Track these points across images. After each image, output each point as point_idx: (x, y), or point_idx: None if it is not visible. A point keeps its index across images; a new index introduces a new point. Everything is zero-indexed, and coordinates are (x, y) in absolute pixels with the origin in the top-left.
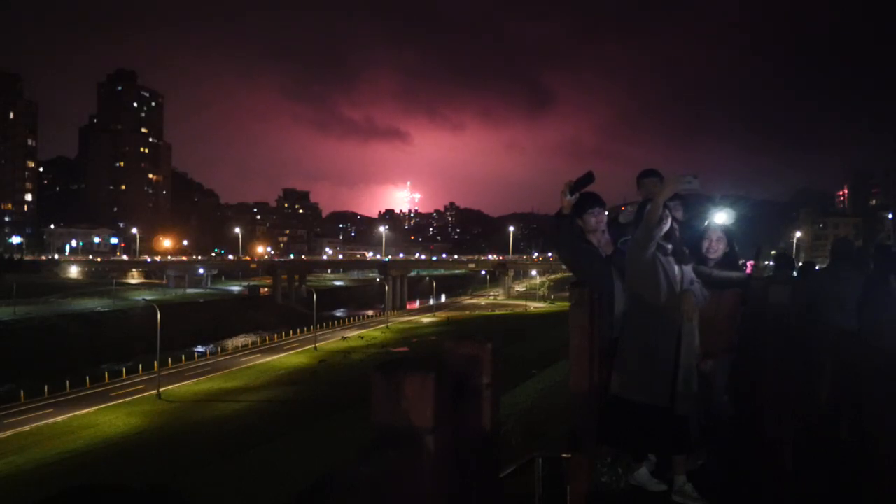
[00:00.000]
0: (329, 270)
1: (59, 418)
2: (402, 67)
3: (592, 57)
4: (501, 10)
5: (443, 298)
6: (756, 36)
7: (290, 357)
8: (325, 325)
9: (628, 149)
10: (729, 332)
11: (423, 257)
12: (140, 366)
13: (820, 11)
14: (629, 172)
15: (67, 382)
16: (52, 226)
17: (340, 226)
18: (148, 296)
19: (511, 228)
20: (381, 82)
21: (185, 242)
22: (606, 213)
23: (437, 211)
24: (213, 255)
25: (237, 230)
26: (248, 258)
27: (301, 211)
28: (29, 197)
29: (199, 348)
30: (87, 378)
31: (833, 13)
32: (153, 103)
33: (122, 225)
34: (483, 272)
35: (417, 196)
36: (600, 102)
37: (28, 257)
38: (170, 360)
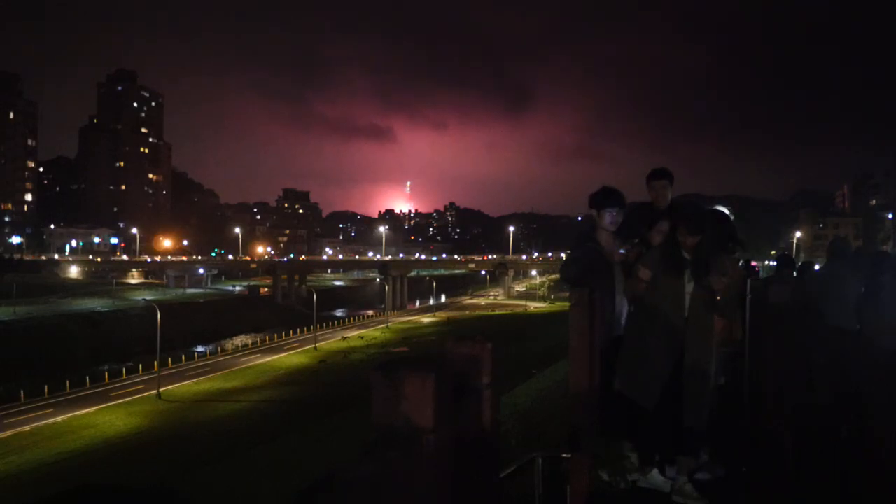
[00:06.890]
0: (329, 270)
1: (58, 418)
2: (398, 67)
3: (588, 53)
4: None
5: (443, 298)
6: (755, 34)
7: (290, 357)
8: (325, 325)
9: (628, 147)
10: (727, 327)
11: (423, 257)
12: (140, 366)
13: (819, 9)
14: (628, 172)
15: (67, 382)
16: (52, 226)
17: (340, 226)
18: (148, 296)
19: (511, 228)
20: (384, 82)
21: (185, 242)
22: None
23: (437, 211)
24: (213, 255)
25: (237, 230)
26: (247, 258)
27: (301, 211)
28: (29, 197)
29: (199, 348)
30: (87, 378)
31: (833, 12)
32: (153, 103)
33: (122, 225)
34: (483, 272)
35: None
36: (599, 101)
37: (28, 257)
38: (170, 360)
